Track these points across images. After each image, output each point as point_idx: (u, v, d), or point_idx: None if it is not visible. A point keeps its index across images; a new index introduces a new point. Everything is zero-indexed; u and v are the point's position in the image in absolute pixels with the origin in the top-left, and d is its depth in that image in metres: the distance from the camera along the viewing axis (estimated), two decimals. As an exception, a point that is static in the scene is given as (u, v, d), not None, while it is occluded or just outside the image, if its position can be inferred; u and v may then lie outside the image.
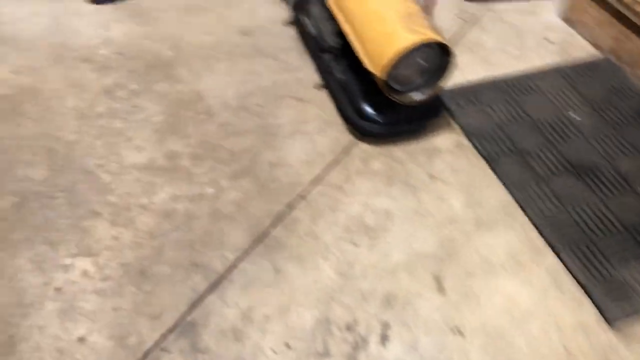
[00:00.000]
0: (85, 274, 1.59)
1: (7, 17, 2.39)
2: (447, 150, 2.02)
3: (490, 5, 2.71)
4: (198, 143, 1.96)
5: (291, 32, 2.44)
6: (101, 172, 1.84)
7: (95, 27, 2.38)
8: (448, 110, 2.14)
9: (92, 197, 1.77)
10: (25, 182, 1.80)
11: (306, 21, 2.29)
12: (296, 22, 2.42)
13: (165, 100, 2.10)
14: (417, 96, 1.88)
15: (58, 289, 1.55)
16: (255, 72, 2.25)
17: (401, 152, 2.00)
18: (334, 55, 2.09)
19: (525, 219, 1.82)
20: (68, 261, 1.61)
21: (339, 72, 2.07)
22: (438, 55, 1.81)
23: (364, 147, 2.00)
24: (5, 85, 2.10)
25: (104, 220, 1.72)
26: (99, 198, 1.77)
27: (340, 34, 2.03)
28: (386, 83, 1.80)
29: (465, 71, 2.31)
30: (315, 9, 2.24)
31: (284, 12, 2.50)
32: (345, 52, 2.04)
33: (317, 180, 1.88)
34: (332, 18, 2.07)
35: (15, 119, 1.98)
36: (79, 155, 1.89)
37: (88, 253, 1.64)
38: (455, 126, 2.11)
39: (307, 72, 2.26)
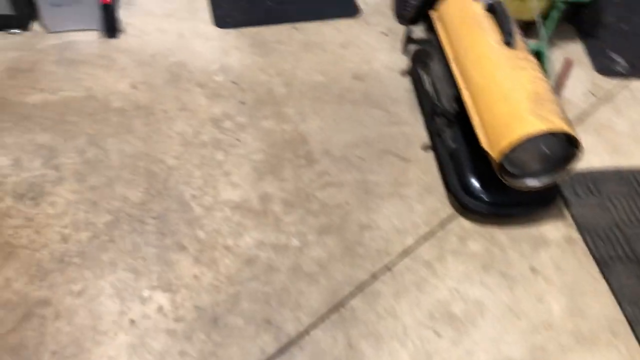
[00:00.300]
0: (160, 310, 1.59)
1: (135, 29, 2.49)
2: (555, 242, 1.85)
3: (629, 83, 2.48)
4: (293, 189, 1.92)
5: (406, 84, 2.35)
6: (195, 204, 1.85)
7: (216, 52, 2.42)
8: (563, 196, 1.96)
9: (182, 229, 1.78)
10: (121, 201, 1.83)
11: (424, 76, 2.19)
12: (413, 74, 2.34)
13: (269, 138, 2.08)
14: (532, 183, 1.73)
15: (132, 322, 1.56)
16: (361, 121, 2.18)
17: (504, 236, 1.85)
18: (447, 120, 1.98)
19: (635, 343, 1.61)
20: (147, 293, 1.62)
21: (450, 138, 1.96)
22: (563, 145, 1.65)
23: (463, 224, 1.87)
24: (124, 99, 2.17)
25: (188, 256, 1.71)
26: (188, 231, 1.78)
27: (458, 99, 1.92)
28: (500, 164, 1.67)
29: (588, 155, 2.11)
30: (435, 66, 2.14)
31: (402, 61, 2.42)
32: (459, 118, 1.92)
33: (407, 252, 1.77)
34: (452, 80, 1.97)
35: (125, 135, 2.04)
36: (177, 182, 1.90)
37: (167, 288, 1.63)
38: (568, 216, 1.93)
39: (415, 129, 2.16)
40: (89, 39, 2.41)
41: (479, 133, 1.73)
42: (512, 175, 1.71)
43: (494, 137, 1.66)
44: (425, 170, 2.02)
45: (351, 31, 2.59)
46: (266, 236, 1.78)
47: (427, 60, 2.20)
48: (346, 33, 2.57)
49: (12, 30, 2.38)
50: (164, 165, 1.96)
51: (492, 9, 1.91)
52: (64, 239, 1.72)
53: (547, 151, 1.68)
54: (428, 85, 2.14)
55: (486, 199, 1.83)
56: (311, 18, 2.62)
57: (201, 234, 1.77)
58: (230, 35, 2.51)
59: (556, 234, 1.87)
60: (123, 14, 2.55)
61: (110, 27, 2.40)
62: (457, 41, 1.95)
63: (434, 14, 2.16)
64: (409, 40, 2.25)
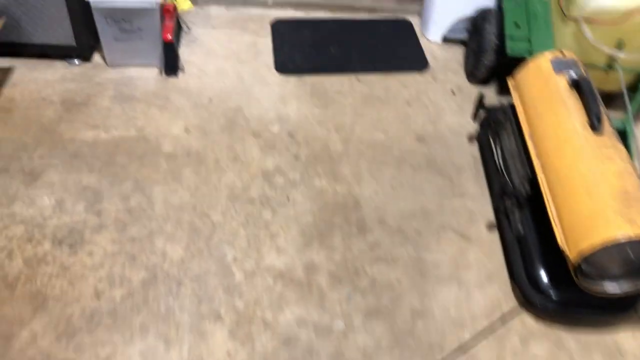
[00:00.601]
0: (187, 389, 1.47)
1: (194, 68, 2.43)
2: (632, 354, 1.64)
3: None
4: (341, 260, 1.78)
5: (473, 150, 2.19)
6: (236, 268, 1.73)
7: (274, 99, 2.32)
8: (642, 300, 1.74)
9: (220, 295, 1.66)
10: (160, 257, 1.74)
11: (494, 147, 2.03)
12: (482, 141, 2.17)
13: (321, 199, 1.96)
14: (611, 288, 1.53)
15: (156, 400, 1.44)
16: (421, 189, 2.03)
17: (572, 341, 1.65)
18: (517, 201, 1.81)
19: None
20: (175, 368, 1.50)
21: (519, 222, 1.78)
22: (653, 252, 1.45)
23: (527, 321, 1.68)
24: (176, 143, 2.09)
25: (224, 328, 1.59)
26: (226, 298, 1.66)
27: (532, 181, 1.74)
28: (577, 264, 1.48)
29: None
30: (508, 138, 1.97)
31: (470, 124, 2.26)
32: (532, 201, 1.75)
33: (462, 349, 1.60)
34: (526, 158, 1.80)
35: (172, 184, 1.95)
36: (220, 241, 1.79)
37: (197, 364, 1.51)
38: (648, 324, 1.71)
39: (480, 204, 1.99)
40: (148, 75, 2.36)
41: (555, 227, 1.54)
42: (588, 277, 1.52)
43: (573, 236, 1.48)
44: (488, 253, 1.85)
45: (417, 87, 2.45)
46: (309, 313, 1.64)
47: (499, 129, 2.03)
48: (412, 88, 2.44)
49: (73, 61, 2.36)
50: (208, 221, 1.85)
51: (577, 85, 1.74)
52: (97, 294, 1.63)
53: (632, 256, 1.48)
54: (498, 157, 1.97)
55: (555, 296, 1.64)
56: (376, 69, 2.50)
57: (239, 304, 1.65)
58: (290, 82, 2.42)
59: (634, 345, 1.66)
60: (184, 51, 2.50)
61: (171, 65, 2.35)
62: (535, 117, 1.79)
63: (510, 81, 2.00)
64: (481, 105, 2.09)
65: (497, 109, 2.07)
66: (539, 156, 1.70)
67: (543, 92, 1.80)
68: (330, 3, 2.82)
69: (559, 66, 1.82)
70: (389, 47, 2.63)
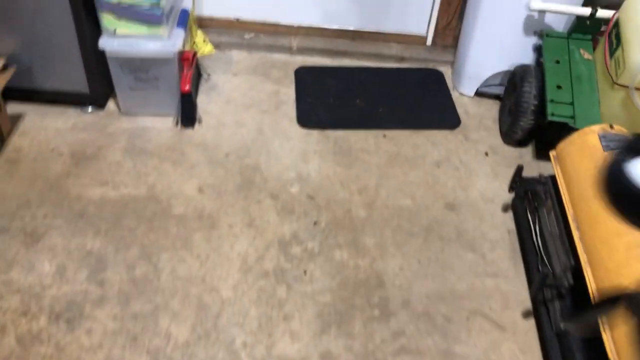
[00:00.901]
0: None
1: (212, 118, 2.30)
2: None
3: None
4: (361, 349, 1.61)
5: (508, 222, 2.01)
6: (245, 355, 1.58)
7: (295, 155, 2.18)
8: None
9: (225, 387, 1.51)
10: (164, 339, 1.59)
11: (532, 225, 1.85)
12: (518, 214, 2.00)
13: (340, 274, 1.80)
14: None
15: None
16: (451, 266, 1.86)
17: None
18: (558, 292, 1.63)
19: None
20: None
21: (559, 316, 1.60)
22: None
23: None
24: (187, 204, 1.96)
25: None
26: (231, 391, 1.50)
27: (576, 270, 1.57)
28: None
29: None
30: (547, 217, 1.79)
31: (504, 192, 2.09)
32: (575, 293, 1.57)
33: None
34: (569, 243, 1.62)
35: (181, 251, 1.81)
36: (229, 322, 1.65)
37: None
38: None
39: (515, 286, 1.82)
40: (163, 126, 2.24)
41: (605, 336, 1.36)
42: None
43: (624, 346, 1.30)
44: (523, 346, 1.67)
45: (448, 146, 2.29)
46: (323, 414, 1.48)
47: (538, 204, 1.86)
48: (442, 148, 2.28)
49: (86, 108, 2.25)
50: (217, 297, 1.71)
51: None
52: (92, 382, 1.49)
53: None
54: (537, 238, 1.80)
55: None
56: (404, 126, 2.35)
57: (247, 400, 1.49)
58: (313, 137, 2.28)
59: None
60: (203, 99, 2.38)
61: (187, 116, 2.23)
62: (580, 199, 1.61)
63: (552, 153, 1.83)
64: (519, 177, 1.92)
65: (536, 181, 1.90)
66: (584, 246, 1.53)
67: (590, 172, 1.63)
68: (357, 50, 2.69)
69: (609, 143, 1.65)
70: (419, 101, 2.48)
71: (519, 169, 1.90)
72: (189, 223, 1.90)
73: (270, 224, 1.93)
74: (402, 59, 2.71)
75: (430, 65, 2.70)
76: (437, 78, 2.63)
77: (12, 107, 2.22)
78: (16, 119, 2.20)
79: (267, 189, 2.05)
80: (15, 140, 2.12)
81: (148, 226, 1.88)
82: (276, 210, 1.98)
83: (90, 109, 2.26)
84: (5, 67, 2.04)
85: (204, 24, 2.66)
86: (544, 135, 2.24)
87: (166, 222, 1.90)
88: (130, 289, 1.71)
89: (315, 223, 1.95)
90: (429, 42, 2.75)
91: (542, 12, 2.21)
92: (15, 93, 2.17)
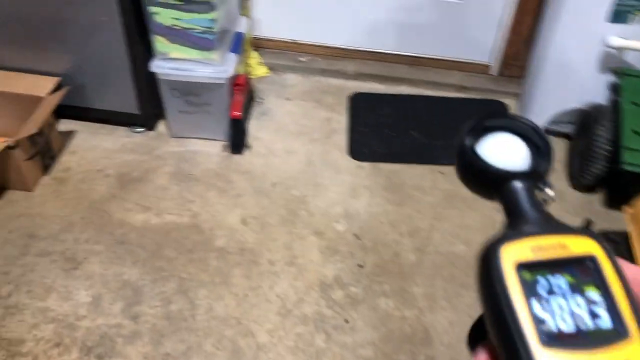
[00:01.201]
0: None
1: (262, 146, 2.23)
2: None
3: None
4: (402, 414, 1.49)
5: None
6: (276, 409, 1.48)
7: (344, 189, 2.08)
8: None
9: None
10: (195, 385, 1.52)
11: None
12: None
13: (384, 326, 1.68)
14: None
15: None
16: (506, 325, 1.70)
17: None
18: None
19: None
20: None
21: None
22: None
23: None
24: (230, 236, 1.89)
25: None
26: None
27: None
28: None
29: None
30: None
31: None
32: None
33: None
34: None
35: (220, 288, 1.74)
36: (263, 371, 1.56)
37: None
38: None
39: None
40: (212, 151, 2.19)
41: None
42: None
43: None
44: None
45: (509, 188, 2.13)
46: None
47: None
48: (502, 189, 2.12)
49: (135, 129, 2.23)
50: (253, 341, 1.62)
51: None
52: None
53: None
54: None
55: None
56: (462, 163, 2.20)
57: None
58: (364, 170, 2.17)
59: None
60: (254, 125, 2.32)
61: (237, 143, 2.16)
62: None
63: (627, 210, 1.65)
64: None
65: (605, 238, 1.72)
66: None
67: (672, 238, 1.45)
68: (416, 77, 2.56)
69: (696, 206, 1.47)
70: (479, 135, 2.33)
71: (588, 224, 1.73)
72: (230, 257, 1.83)
73: (313, 264, 1.84)
74: (463, 89, 2.56)
75: (494, 97, 2.54)
76: (500, 111, 2.46)
77: (64, 124, 2.22)
78: (67, 135, 2.19)
79: (312, 225, 1.95)
80: (65, 159, 2.12)
81: (188, 257, 1.82)
82: (320, 248, 1.88)
83: (140, 129, 2.23)
84: (59, 86, 2.04)
85: (259, 44, 2.60)
86: (618, 182, 2.05)
87: (207, 254, 1.84)
88: (164, 325, 1.64)
89: (360, 266, 1.84)
90: (493, 71, 2.60)
91: (621, 49, 2.03)
92: (67, 111, 2.17)
